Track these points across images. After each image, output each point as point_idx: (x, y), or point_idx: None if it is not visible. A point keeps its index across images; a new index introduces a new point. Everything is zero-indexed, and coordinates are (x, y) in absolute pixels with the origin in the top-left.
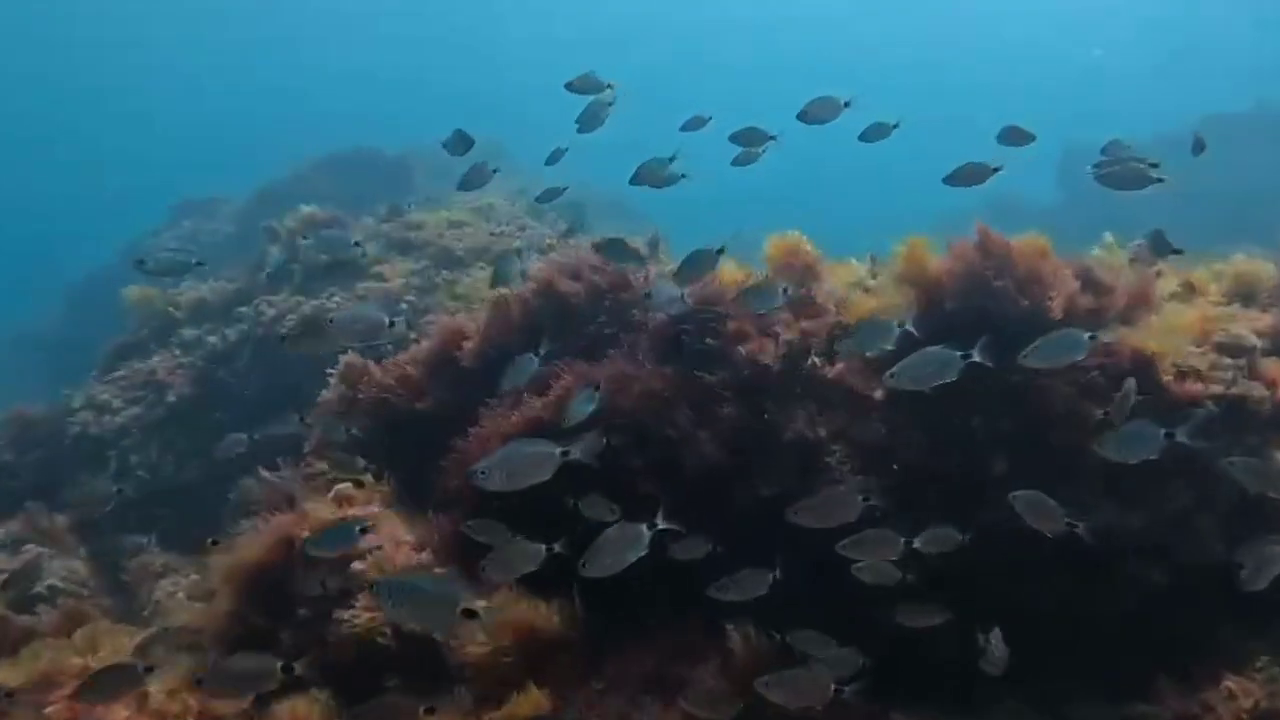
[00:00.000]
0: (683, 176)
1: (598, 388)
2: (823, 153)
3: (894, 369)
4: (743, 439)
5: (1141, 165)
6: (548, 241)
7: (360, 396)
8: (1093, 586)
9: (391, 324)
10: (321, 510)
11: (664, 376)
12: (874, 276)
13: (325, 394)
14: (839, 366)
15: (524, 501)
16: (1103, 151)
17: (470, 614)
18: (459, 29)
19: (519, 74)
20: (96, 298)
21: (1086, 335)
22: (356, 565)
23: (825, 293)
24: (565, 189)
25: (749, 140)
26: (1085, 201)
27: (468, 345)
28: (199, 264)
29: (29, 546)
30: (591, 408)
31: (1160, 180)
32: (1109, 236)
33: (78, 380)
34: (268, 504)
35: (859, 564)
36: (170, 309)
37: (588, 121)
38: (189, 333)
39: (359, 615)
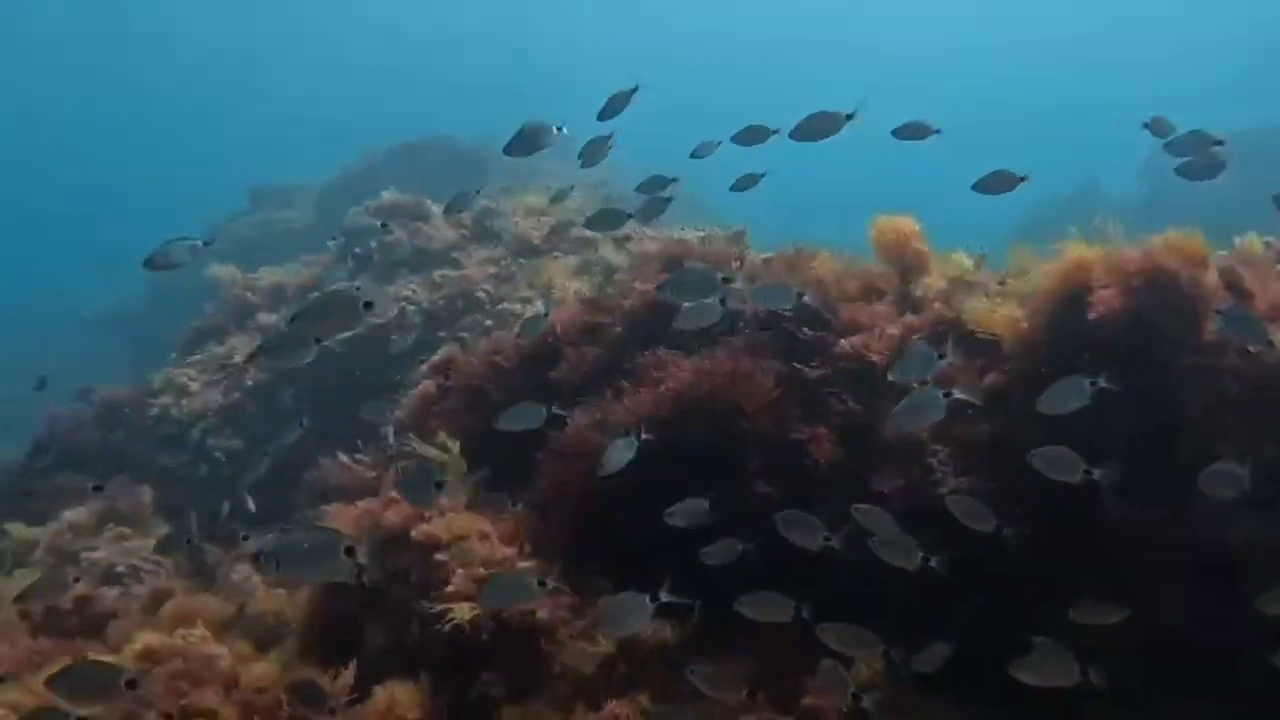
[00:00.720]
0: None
1: (638, 435)
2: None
3: (1041, 398)
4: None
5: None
6: (623, 235)
7: (451, 386)
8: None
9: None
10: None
11: (772, 373)
12: (977, 269)
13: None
14: (945, 365)
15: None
16: (1173, 145)
17: None
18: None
19: (587, 74)
20: (176, 280)
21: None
22: (439, 556)
23: (929, 287)
24: (673, 181)
25: (751, 138)
26: (1169, 197)
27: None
28: (207, 244)
29: (110, 526)
30: (631, 455)
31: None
32: (1252, 235)
33: (158, 361)
34: (350, 489)
35: None
36: (247, 293)
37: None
38: (265, 317)
39: (455, 608)
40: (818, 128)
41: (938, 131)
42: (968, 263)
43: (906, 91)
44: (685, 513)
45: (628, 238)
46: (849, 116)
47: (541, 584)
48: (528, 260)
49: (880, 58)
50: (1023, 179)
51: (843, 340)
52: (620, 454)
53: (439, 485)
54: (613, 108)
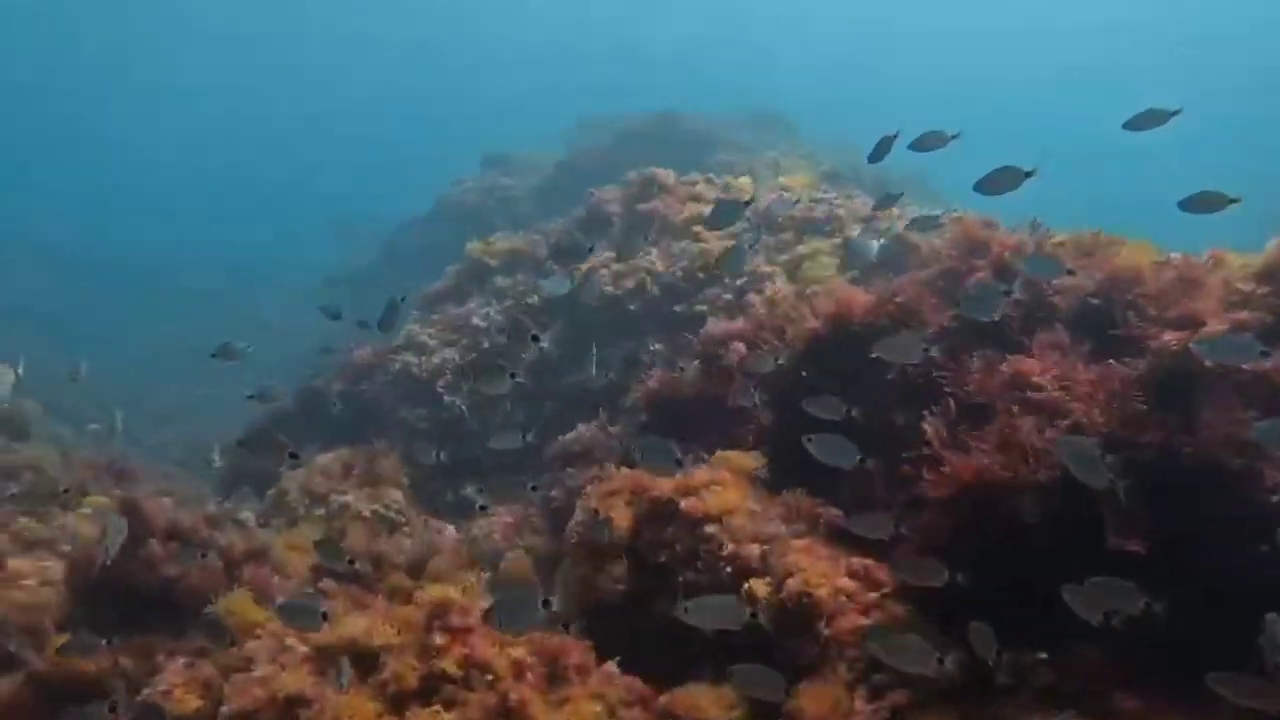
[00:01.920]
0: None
1: None
2: None
3: None
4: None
5: None
6: (872, 213)
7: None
8: None
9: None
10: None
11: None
12: None
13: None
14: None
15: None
16: None
17: None
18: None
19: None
20: (407, 242)
21: None
22: (708, 528)
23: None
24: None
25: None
26: None
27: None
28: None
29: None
30: None
31: None
32: None
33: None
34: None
35: None
36: (486, 257)
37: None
38: (502, 280)
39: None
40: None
41: (955, 137)
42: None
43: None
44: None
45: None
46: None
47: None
48: (772, 236)
49: None
50: (1029, 173)
51: (1165, 334)
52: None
53: (678, 462)
54: (925, 145)
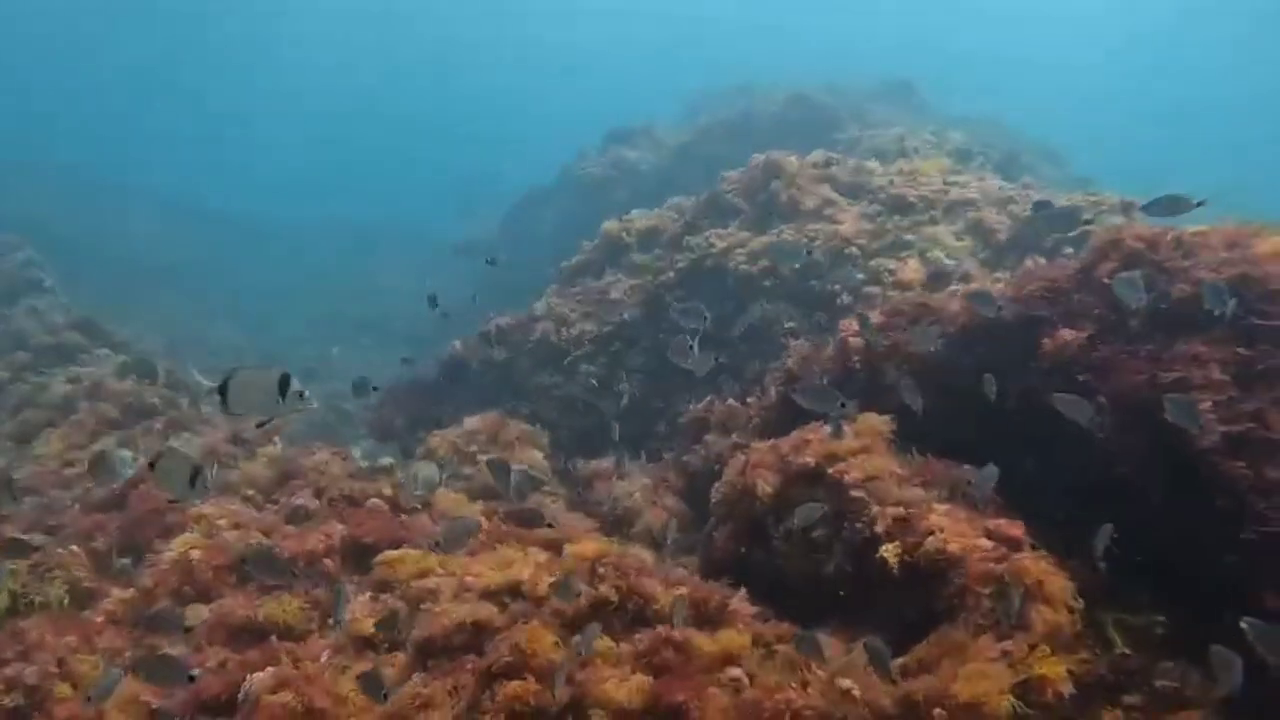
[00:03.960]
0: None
1: None
2: None
3: None
4: None
5: None
6: (1005, 196)
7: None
8: None
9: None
10: (816, 439)
11: None
12: None
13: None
14: None
15: None
16: None
17: None
18: None
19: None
20: (528, 213)
21: None
22: (855, 493)
23: None
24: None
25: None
26: None
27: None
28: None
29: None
30: None
31: None
32: None
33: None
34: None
35: None
36: (623, 234)
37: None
38: (639, 257)
39: (884, 549)
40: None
41: (1200, 204)
42: None
43: None
44: None
45: (1011, 199)
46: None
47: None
48: (904, 217)
49: None
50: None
51: None
52: None
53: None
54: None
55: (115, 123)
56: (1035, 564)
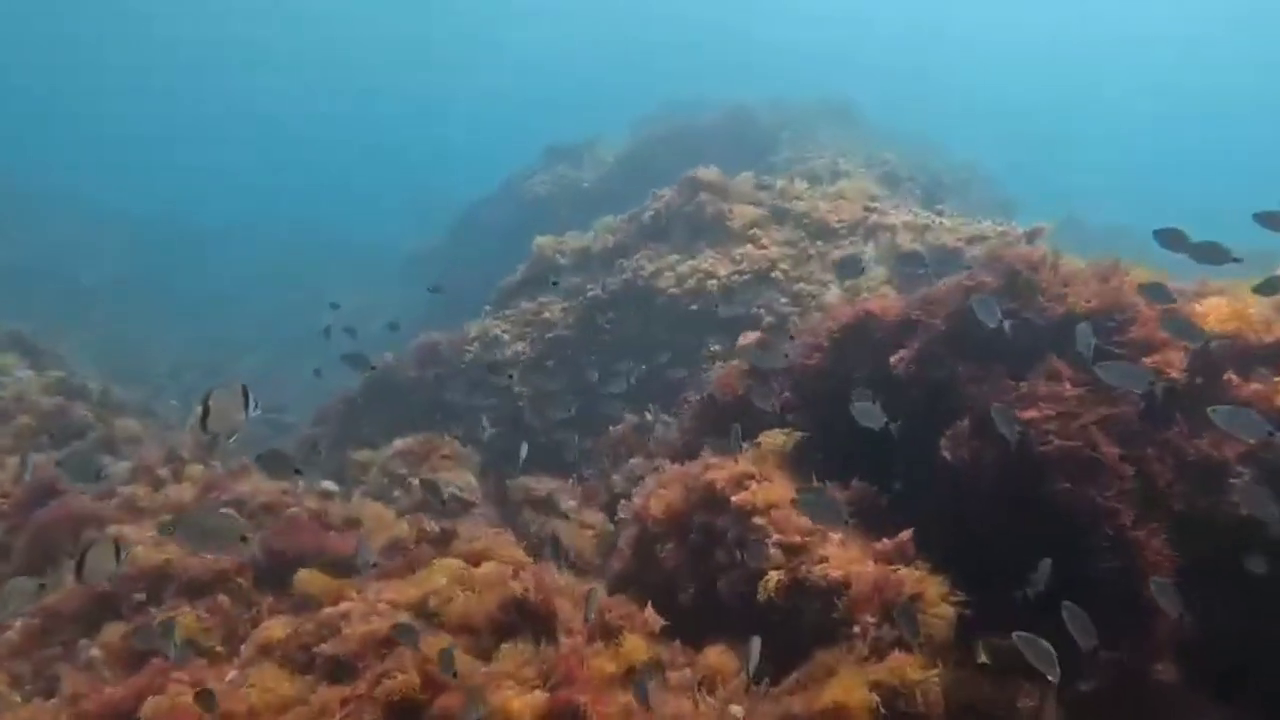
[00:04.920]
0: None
1: None
2: None
3: None
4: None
5: None
6: (921, 223)
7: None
8: None
9: None
10: (723, 466)
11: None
12: None
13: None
14: (1254, 385)
15: None
16: None
17: None
18: None
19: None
20: (475, 224)
21: None
22: (756, 520)
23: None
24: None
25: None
26: None
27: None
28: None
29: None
30: None
31: None
32: None
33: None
34: (656, 451)
35: None
36: (557, 255)
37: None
38: (572, 278)
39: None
40: None
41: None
42: None
43: None
44: None
45: (926, 226)
46: None
47: None
48: (825, 242)
49: None
50: None
51: (1144, 359)
52: None
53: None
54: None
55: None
56: (911, 576)
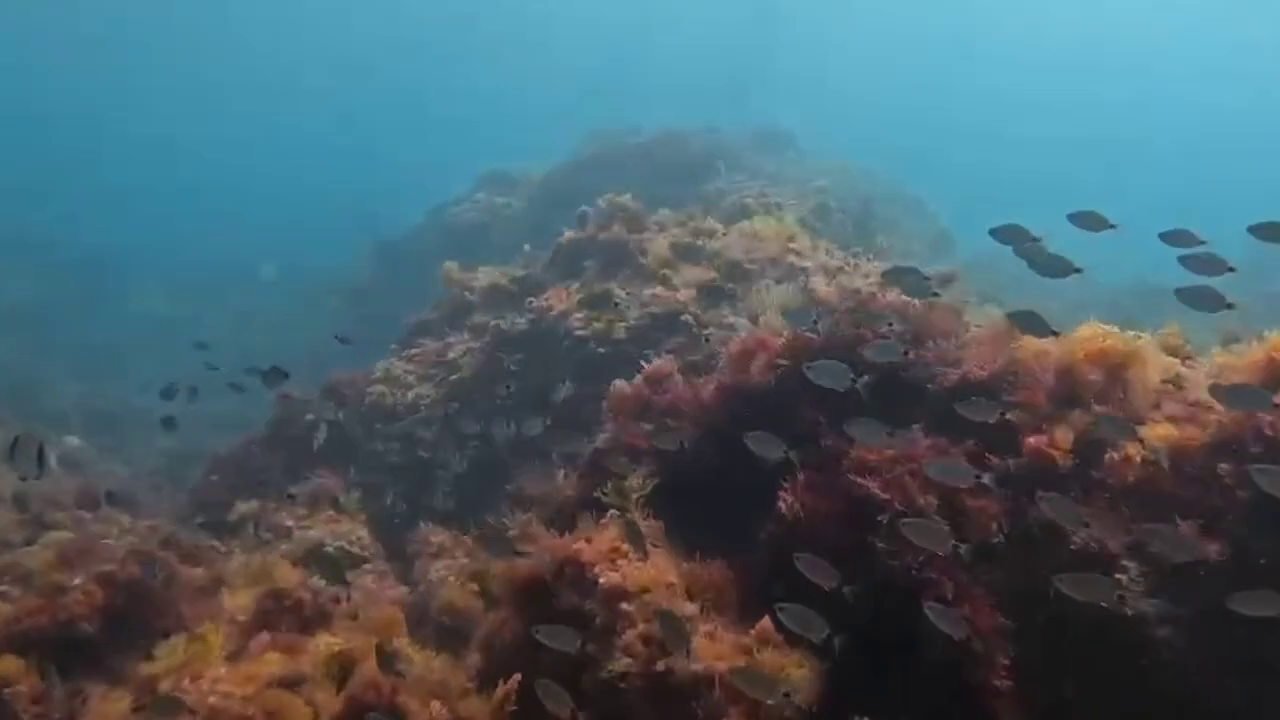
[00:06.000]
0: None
1: None
2: None
3: None
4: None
5: None
6: (835, 265)
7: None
8: None
9: None
10: (602, 538)
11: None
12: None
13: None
14: (1147, 469)
15: None
16: None
17: None
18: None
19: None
20: (401, 254)
21: None
22: (624, 606)
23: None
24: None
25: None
26: None
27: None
28: None
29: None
30: None
31: None
32: None
33: (375, 326)
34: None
35: None
36: (465, 293)
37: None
38: (480, 318)
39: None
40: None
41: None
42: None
43: None
44: None
45: (841, 269)
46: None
47: None
48: (738, 284)
49: None
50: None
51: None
52: None
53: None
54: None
55: None
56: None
